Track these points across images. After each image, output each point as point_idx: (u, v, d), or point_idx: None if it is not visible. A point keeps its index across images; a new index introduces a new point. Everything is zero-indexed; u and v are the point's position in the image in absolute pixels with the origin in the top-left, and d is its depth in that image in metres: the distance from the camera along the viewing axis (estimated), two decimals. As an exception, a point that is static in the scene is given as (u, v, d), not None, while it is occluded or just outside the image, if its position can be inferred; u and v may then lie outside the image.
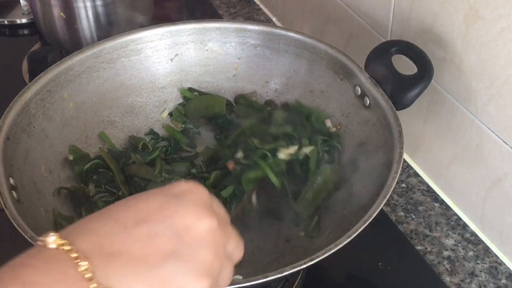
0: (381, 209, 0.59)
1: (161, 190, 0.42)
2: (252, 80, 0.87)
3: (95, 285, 0.35)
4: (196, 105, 0.85)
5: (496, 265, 0.75)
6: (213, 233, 0.41)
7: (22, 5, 1.19)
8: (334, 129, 0.79)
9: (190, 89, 0.87)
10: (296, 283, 0.71)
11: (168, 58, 0.86)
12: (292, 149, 0.76)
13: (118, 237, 0.37)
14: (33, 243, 0.55)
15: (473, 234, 0.79)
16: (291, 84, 0.85)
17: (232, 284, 0.52)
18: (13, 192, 0.62)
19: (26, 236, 0.56)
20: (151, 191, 0.42)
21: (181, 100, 0.87)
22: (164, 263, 0.37)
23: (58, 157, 0.75)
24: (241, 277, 0.63)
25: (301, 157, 0.76)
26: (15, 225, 0.57)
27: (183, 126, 0.85)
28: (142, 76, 0.85)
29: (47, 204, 0.69)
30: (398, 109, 0.70)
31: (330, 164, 0.76)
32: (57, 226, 0.67)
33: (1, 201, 0.60)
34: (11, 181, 0.63)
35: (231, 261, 0.44)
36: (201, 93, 0.87)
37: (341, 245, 0.56)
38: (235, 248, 0.44)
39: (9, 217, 0.58)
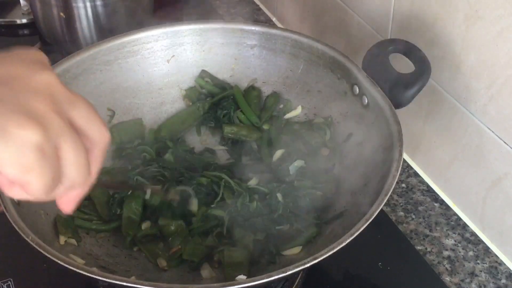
0: (381, 209, 0.59)
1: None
2: (249, 81, 0.87)
3: None
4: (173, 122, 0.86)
5: (496, 265, 0.75)
6: (51, 86, 0.36)
7: (22, 5, 1.19)
8: (326, 154, 0.79)
9: (202, 75, 0.87)
10: (296, 283, 0.71)
11: (165, 60, 0.86)
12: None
13: None
14: (35, 246, 0.56)
15: (473, 234, 0.79)
16: (288, 84, 0.85)
17: (235, 284, 0.53)
18: None
19: (27, 239, 0.56)
20: None
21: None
22: None
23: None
24: (244, 277, 0.63)
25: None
26: (16, 228, 0.57)
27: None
28: (139, 78, 0.85)
29: (47, 207, 0.69)
30: (396, 108, 0.70)
31: (327, 174, 0.76)
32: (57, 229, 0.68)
33: (2, 204, 0.60)
34: None
35: (83, 134, 0.38)
36: (213, 79, 0.86)
37: (343, 244, 0.56)
38: (87, 120, 0.38)
39: (10, 220, 0.58)
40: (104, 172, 0.78)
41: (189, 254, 0.69)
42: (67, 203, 0.41)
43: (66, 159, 0.36)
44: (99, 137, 0.39)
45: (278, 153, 0.80)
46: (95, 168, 0.40)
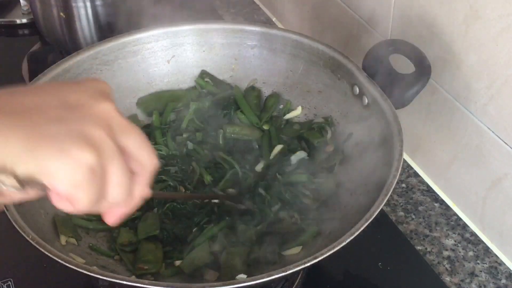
0: (381, 209, 0.59)
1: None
2: (249, 81, 0.87)
3: None
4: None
5: (496, 265, 0.75)
6: (109, 115, 0.41)
7: (22, 5, 1.19)
8: (331, 150, 0.79)
9: (202, 76, 0.87)
10: (296, 283, 0.71)
11: (165, 60, 0.86)
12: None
13: (6, 100, 0.38)
14: (35, 244, 0.56)
15: (473, 234, 0.79)
16: (288, 84, 0.85)
17: (235, 283, 0.53)
18: None
19: (28, 238, 0.56)
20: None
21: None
22: (48, 123, 0.38)
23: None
24: (245, 276, 0.63)
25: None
26: (17, 227, 0.57)
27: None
28: (139, 78, 0.85)
29: (47, 206, 0.69)
30: (396, 108, 0.70)
31: (328, 174, 0.76)
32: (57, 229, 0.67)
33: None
34: None
35: (133, 160, 0.42)
36: (213, 79, 0.86)
37: (343, 244, 0.56)
38: (138, 148, 0.42)
39: (11, 219, 0.58)
40: None
41: (188, 267, 0.67)
42: (112, 217, 0.45)
43: (111, 181, 0.40)
44: (148, 163, 0.44)
45: (278, 148, 0.80)
46: (141, 190, 0.44)
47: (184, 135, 0.82)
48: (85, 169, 0.38)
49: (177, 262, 0.68)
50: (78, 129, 0.38)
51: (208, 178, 0.77)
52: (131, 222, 0.72)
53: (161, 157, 0.79)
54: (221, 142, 0.82)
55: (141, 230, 0.70)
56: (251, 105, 0.85)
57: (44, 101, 0.39)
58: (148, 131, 0.82)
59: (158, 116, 0.84)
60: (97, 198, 0.40)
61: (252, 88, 0.86)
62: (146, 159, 0.43)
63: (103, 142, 0.39)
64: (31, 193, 0.39)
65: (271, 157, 0.80)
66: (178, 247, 0.70)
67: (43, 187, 0.38)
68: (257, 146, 0.83)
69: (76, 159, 0.37)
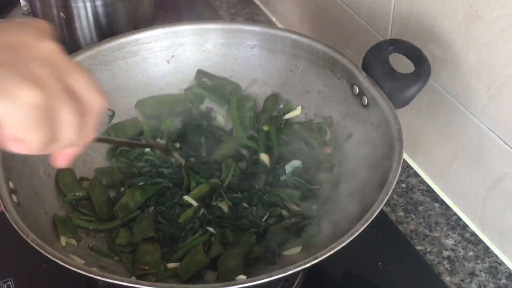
0: (381, 209, 0.59)
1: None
2: (248, 81, 0.87)
3: None
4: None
5: (496, 265, 0.75)
6: (53, 54, 0.40)
7: (22, 5, 1.18)
8: (329, 152, 0.79)
9: (200, 72, 0.87)
10: (296, 283, 0.71)
11: (165, 60, 0.86)
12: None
13: None
14: (35, 246, 0.56)
15: (473, 234, 0.79)
16: (288, 84, 0.85)
17: (235, 284, 0.53)
18: (13, 196, 0.62)
19: (27, 240, 0.56)
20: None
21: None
22: None
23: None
24: (244, 277, 0.63)
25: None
26: (16, 228, 0.57)
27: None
28: (138, 78, 0.85)
29: (46, 207, 0.69)
30: (396, 108, 0.70)
31: (328, 173, 0.76)
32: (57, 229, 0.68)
33: (2, 204, 0.60)
34: (11, 184, 0.63)
35: (80, 99, 0.42)
36: (210, 77, 0.86)
37: (344, 244, 0.56)
38: (85, 87, 0.42)
39: (10, 220, 0.58)
40: (102, 172, 0.78)
41: (185, 272, 0.67)
42: (61, 158, 0.45)
43: (62, 121, 0.40)
44: (95, 103, 0.43)
45: (264, 157, 0.81)
46: (90, 130, 0.44)
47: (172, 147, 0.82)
48: (32, 109, 0.37)
49: (171, 265, 0.68)
50: (22, 69, 0.38)
51: (193, 184, 0.76)
52: (128, 222, 0.72)
53: (153, 162, 0.80)
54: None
55: (137, 233, 0.70)
56: (244, 118, 0.84)
57: None
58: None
59: (149, 128, 0.83)
60: (49, 139, 0.39)
61: (246, 99, 0.86)
62: (94, 99, 0.43)
63: (49, 81, 0.39)
64: None
65: (263, 165, 0.80)
66: (174, 247, 0.70)
67: None
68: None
69: (20, 99, 0.37)
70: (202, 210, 0.73)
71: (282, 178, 0.77)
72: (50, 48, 0.40)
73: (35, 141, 0.39)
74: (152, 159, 0.79)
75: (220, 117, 0.86)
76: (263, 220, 0.72)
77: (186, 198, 0.74)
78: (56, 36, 0.43)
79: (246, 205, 0.74)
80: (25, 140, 0.39)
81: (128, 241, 0.70)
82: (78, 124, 0.41)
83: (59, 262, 0.54)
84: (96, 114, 0.43)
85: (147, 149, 0.80)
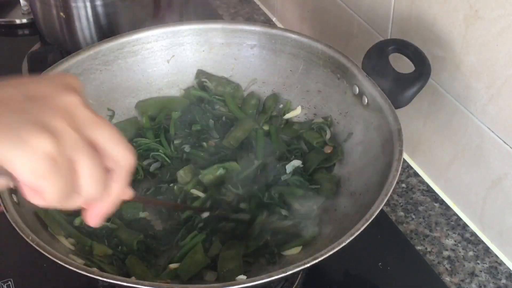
0: (381, 209, 0.59)
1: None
2: (248, 81, 0.87)
3: None
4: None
5: (496, 265, 0.75)
6: (73, 107, 0.40)
7: (22, 5, 1.19)
8: (329, 151, 0.79)
9: (200, 72, 0.87)
10: (296, 283, 0.71)
11: (165, 60, 0.86)
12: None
13: None
14: (35, 246, 0.56)
15: (473, 234, 0.79)
16: (288, 84, 0.85)
17: (235, 284, 0.53)
18: (13, 196, 0.62)
19: (27, 239, 0.56)
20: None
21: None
22: (8, 114, 0.37)
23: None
24: (245, 277, 0.63)
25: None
26: (16, 228, 0.57)
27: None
28: (138, 78, 0.85)
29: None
30: (396, 108, 0.70)
31: (328, 174, 0.76)
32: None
33: (2, 204, 0.60)
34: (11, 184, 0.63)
35: (105, 155, 0.41)
36: (210, 78, 0.86)
37: (344, 244, 0.56)
38: (109, 141, 0.41)
39: (10, 220, 0.58)
40: None
41: (186, 274, 0.67)
42: (92, 216, 0.45)
43: (81, 172, 0.40)
44: (122, 158, 0.42)
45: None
46: (118, 187, 0.43)
47: (176, 141, 0.82)
48: (44, 157, 0.37)
49: (172, 265, 0.68)
50: (38, 119, 0.38)
51: (199, 193, 0.75)
52: (95, 235, 0.70)
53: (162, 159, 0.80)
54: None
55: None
56: (247, 114, 0.85)
57: (7, 94, 0.39)
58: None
59: (149, 120, 0.83)
60: (67, 191, 0.39)
61: (251, 96, 0.86)
62: (119, 154, 0.42)
63: (64, 131, 0.38)
64: (2, 182, 0.39)
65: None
66: (168, 250, 0.70)
67: (13, 177, 0.38)
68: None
69: (33, 147, 0.37)
70: (209, 201, 0.73)
71: (283, 178, 0.77)
72: (71, 100, 0.40)
73: (51, 191, 0.38)
74: (160, 154, 0.79)
75: (222, 109, 0.86)
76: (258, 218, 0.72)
77: (193, 191, 0.74)
78: (83, 90, 0.43)
79: (244, 205, 0.74)
80: (41, 190, 0.38)
81: (105, 253, 0.67)
82: (100, 178, 0.41)
83: (59, 262, 0.54)
84: (124, 170, 0.43)
85: (158, 152, 0.80)
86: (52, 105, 0.39)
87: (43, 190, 0.38)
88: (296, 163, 0.78)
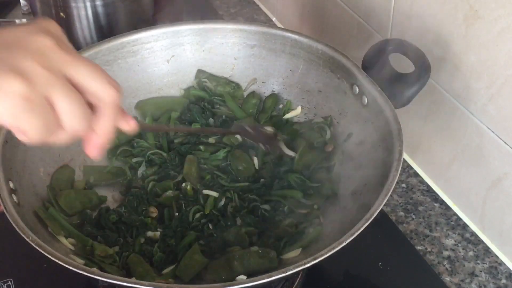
0: (381, 209, 0.59)
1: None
2: (248, 81, 0.87)
3: None
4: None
5: (496, 265, 0.75)
6: (45, 48, 0.41)
7: (22, 5, 1.19)
8: (330, 150, 0.79)
9: (199, 76, 0.87)
10: (296, 283, 0.71)
11: (165, 60, 0.86)
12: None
13: None
14: (35, 246, 0.56)
15: (473, 234, 0.79)
16: (288, 84, 0.85)
17: (235, 284, 0.53)
18: (13, 196, 0.62)
19: (27, 239, 0.56)
20: None
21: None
22: None
23: (55, 159, 0.75)
24: (245, 277, 0.63)
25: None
26: (16, 228, 0.57)
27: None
28: (138, 78, 0.85)
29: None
30: (396, 108, 0.70)
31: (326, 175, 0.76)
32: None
33: (2, 204, 0.60)
34: (11, 184, 0.63)
35: (84, 91, 0.42)
36: (210, 78, 0.86)
37: (344, 244, 0.56)
38: (88, 78, 0.42)
39: (10, 220, 0.58)
40: (102, 172, 0.78)
41: (186, 275, 0.67)
42: (91, 149, 0.46)
43: (59, 108, 0.40)
44: (103, 94, 0.43)
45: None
46: (106, 121, 0.44)
47: (177, 141, 0.82)
48: (17, 99, 0.38)
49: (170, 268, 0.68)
50: (9, 63, 0.39)
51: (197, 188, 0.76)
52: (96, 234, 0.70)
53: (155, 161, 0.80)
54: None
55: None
56: (248, 114, 0.85)
57: None
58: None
59: (152, 121, 0.84)
60: (48, 127, 0.40)
61: (252, 96, 0.86)
62: (100, 90, 0.43)
63: (35, 70, 0.39)
64: None
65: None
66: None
67: None
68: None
69: (5, 91, 0.38)
70: (223, 200, 0.74)
71: (283, 170, 0.77)
72: (44, 42, 0.41)
73: (30, 129, 0.40)
74: (154, 158, 0.79)
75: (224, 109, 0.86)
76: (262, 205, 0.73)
77: (205, 191, 0.75)
78: (61, 34, 0.43)
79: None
80: (21, 129, 0.40)
81: (106, 252, 0.67)
82: (81, 113, 0.41)
83: (59, 262, 0.54)
84: (109, 105, 0.43)
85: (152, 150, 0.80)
86: (23, 48, 0.40)
87: (24, 129, 0.40)
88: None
